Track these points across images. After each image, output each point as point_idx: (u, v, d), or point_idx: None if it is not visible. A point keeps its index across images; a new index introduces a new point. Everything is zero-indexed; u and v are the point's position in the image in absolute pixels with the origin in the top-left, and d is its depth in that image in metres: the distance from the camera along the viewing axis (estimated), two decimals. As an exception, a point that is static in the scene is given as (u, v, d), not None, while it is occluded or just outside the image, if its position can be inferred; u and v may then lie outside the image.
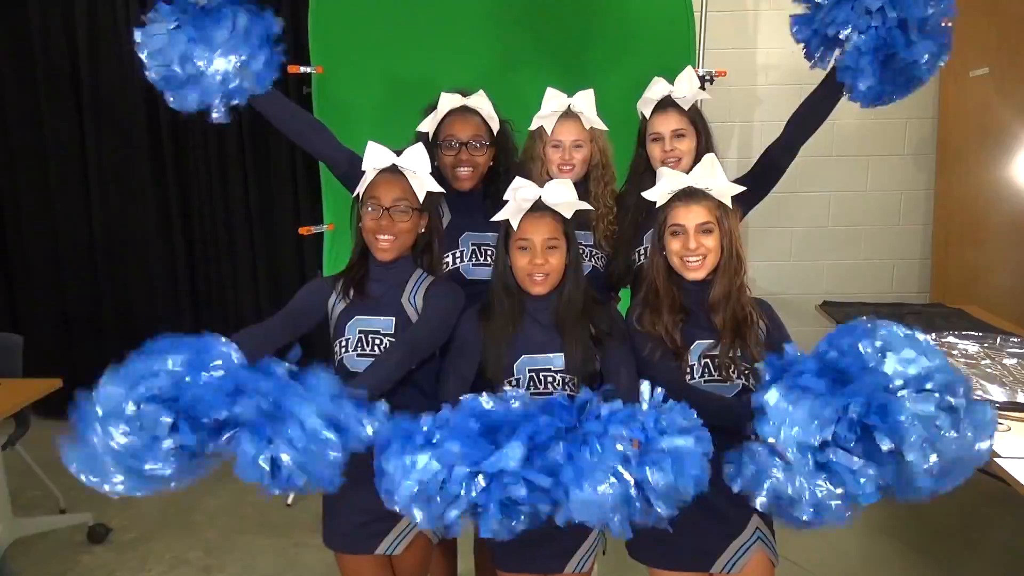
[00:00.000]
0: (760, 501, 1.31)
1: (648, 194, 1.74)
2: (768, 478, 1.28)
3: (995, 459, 1.88)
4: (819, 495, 1.23)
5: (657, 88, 2.02)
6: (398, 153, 1.74)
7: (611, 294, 2.18)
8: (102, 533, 3.05)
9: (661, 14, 3.02)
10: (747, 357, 1.65)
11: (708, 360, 1.66)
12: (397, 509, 1.31)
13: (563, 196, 1.71)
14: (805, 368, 1.28)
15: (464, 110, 2.00)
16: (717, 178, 1.68)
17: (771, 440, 1.26)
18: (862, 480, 1.22)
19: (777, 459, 1.27)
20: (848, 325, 1.33)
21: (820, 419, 1.22)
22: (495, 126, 2.03)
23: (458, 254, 2.00)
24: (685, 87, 2.00)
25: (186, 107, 1.74)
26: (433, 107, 2.03)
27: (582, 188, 2.06)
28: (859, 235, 4.14)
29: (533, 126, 2.07)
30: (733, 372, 1.64)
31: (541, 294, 1.71)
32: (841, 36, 1.70)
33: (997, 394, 2.21)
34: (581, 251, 2.04)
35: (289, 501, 3.31)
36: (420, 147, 1.76)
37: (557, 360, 1.69)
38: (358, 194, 1.77)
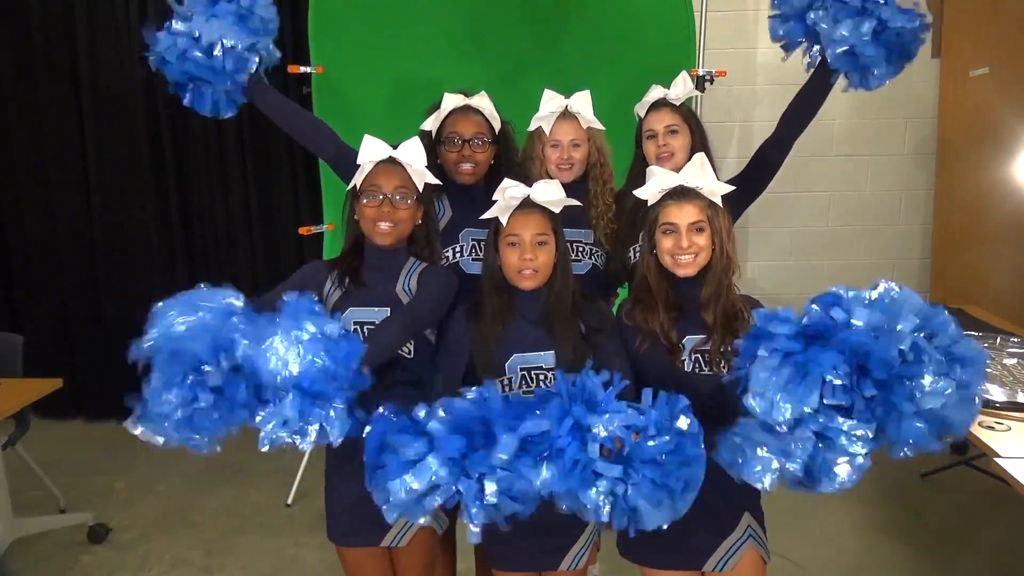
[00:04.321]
0: (768, 481, 1.29)
1: (639, 192, 1.75)
2: (763, 455, 1.27)
3: (995, 459, 1.88)
4: (818, 461, 1.24)
5: (653, 93, 2.09)
6: (394, 147, 1.77)
7: (610, 292, 2.20)
8: (102, 533, 3.04)
9: (661, 14, 3.03)
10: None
11: (699, 355, 1.67)
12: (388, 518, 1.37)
13: (551, 194, 1.72)
14: (779, 333, 1.28)
15: (467, 109, 2.03)
16: (707, 177, 1.69)
17: (757, 410, 1.25)
18: (857, 435, 1.22)
19: (769, 433, 1.26)
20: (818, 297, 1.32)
21: (804, 385, 1.22)
22: (496, 125, 2.06)
23: (458, 249, 2.02)
24: (680, 90, 2.07)
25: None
26: (437, 106, 2.06)
27: (581, 187, 2.08)
28: (859, 235, 4.14)
29: (532, 127, 2.10)
30: (724, 366, 1.65)
31: (531, 288, 1.71)
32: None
33: (997, 394, 2.21)
34: (582, 249, 2.07)
35: (289, 501, 3.31)
36: (416, 141, 1.79)
37: (548, 358, 1.70)
38: (354, 185, 1.78)
